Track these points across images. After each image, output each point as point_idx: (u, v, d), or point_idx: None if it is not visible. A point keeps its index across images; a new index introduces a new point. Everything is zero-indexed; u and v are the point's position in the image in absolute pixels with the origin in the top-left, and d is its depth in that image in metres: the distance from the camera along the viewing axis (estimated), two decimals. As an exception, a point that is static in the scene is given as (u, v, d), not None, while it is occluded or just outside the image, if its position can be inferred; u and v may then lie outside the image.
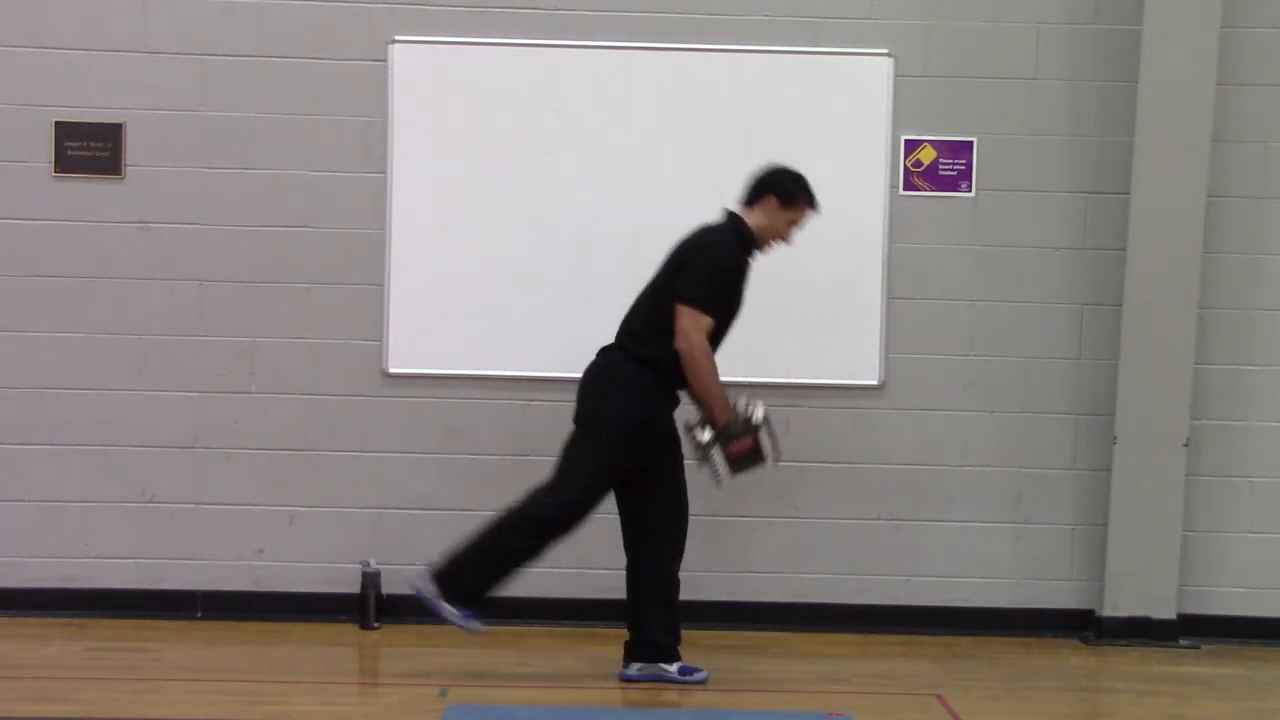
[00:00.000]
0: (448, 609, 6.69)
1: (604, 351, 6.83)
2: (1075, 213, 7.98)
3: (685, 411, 6.86)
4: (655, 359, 6.69)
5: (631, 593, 6.91)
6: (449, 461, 7.95)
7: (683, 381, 6.75)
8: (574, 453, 6.78)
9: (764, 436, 6.70)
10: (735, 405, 6.73)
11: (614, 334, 6.87)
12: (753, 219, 6.81)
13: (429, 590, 6.72)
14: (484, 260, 7.88)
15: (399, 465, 7.94)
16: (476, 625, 6.75)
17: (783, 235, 6.86)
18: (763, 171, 6.88)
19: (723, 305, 6.70)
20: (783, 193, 6.81)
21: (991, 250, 7.99)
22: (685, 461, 6.91)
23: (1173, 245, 7.79)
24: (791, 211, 6.82)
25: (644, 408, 6.73)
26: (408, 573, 7.78)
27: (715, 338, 6.73)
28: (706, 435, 6.67)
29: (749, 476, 6.86)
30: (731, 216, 6.84)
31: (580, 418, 6.81)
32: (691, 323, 6.61)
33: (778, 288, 7.75)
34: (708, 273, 6.66)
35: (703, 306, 6.62)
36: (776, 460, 6.77)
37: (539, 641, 7.66)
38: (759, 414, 6.69)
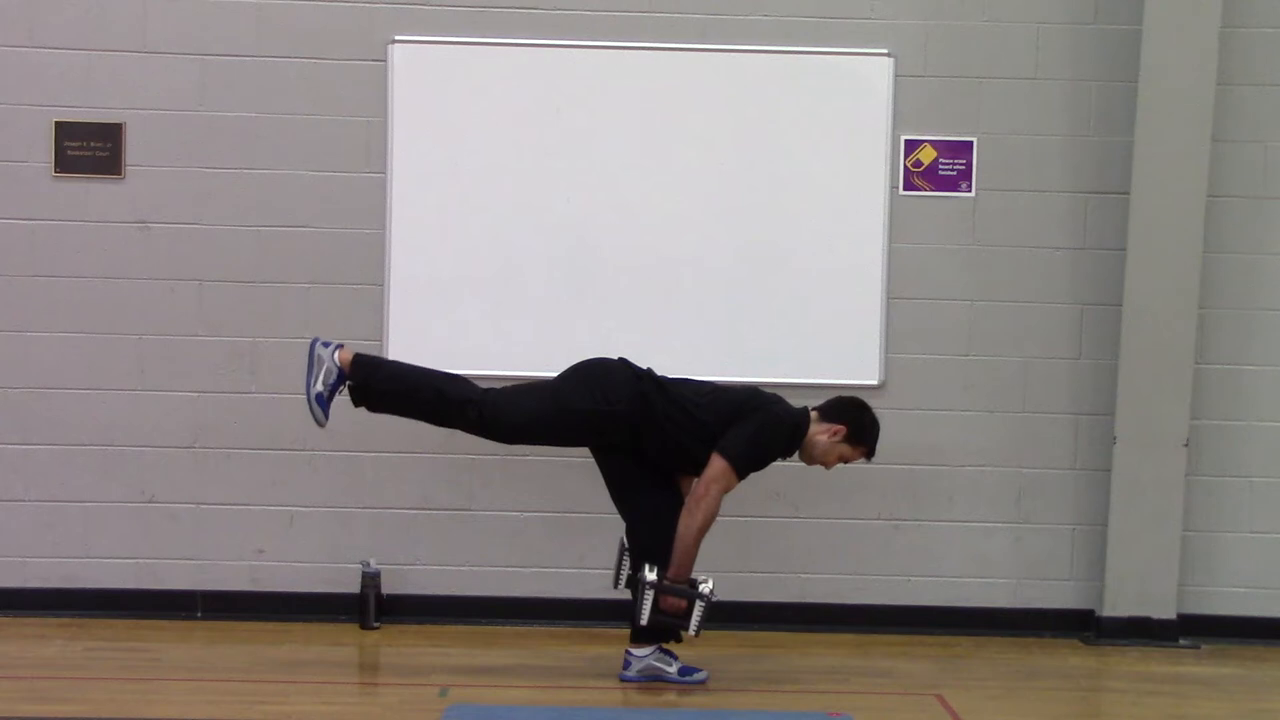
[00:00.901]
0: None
1: (624, 361, 6.85)
2: (1075, 213, 7.98)
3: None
4: (668, 401, 6.73)
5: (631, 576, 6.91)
6: (449, 461, 7.95)
7: (669, 462, 6.83)
8: (534, 389, 6.83)
9: (698, 609, 6.69)
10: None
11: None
12: (816, 430, 6.84)
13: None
14: (484, 260, 7.88)
15: (399, 465, 7.94)
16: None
17: (827, 461, 6.90)
18: (853, 400, 6.95)
19: (751, 470, 6.78)
20: (855, 431, 6.86)
21: (991, 250, 7.98)
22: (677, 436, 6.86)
23: (1173, 245, 7.78)
24: (848, 448, 6.88)
25: (625, 402, 6.72)
26: (408, 572, 7.82)
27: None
28: (651, 575, 6.68)
29: (659, 625, 6.78)
30: (805, 413, 6.87)
31: (568, 372, 6.82)
32: (720, 475, 6.67)
33: (778, 288, 7.76)
34: (757, 443, 6.71)
35: (736, 469, 6.69)
36: (695, 635, 6.74)
37: (539, 641, 7.66)
38: (706, 588, 6.71)
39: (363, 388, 6.77)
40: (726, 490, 6.72)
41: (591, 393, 6.72)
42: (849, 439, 6.86)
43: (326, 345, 6.76)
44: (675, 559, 6.69)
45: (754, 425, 6.72)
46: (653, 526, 6.79)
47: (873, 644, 7.80)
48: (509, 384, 7.70)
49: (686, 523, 6.69)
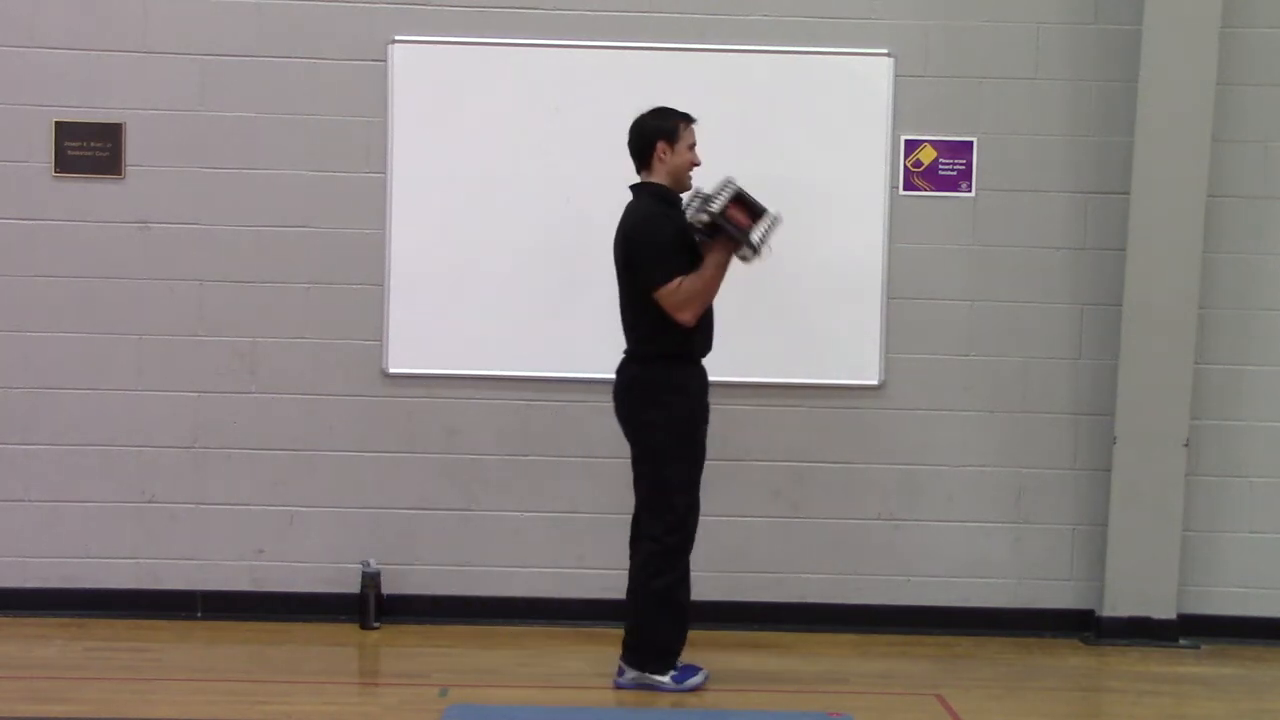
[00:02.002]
0: (663, 680, 6.76)
1: (624, 366, 6.83)
2: (1075, 213, 7.98)
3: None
4: (669, 352, 6.70)
5: (629, 593, 6.91)
6: (449, 461, 7.95)
7: (705, 350, 6.77)
8: (645, 475, 6.76)
9: (766, 222, 6.57)
10: (699, 192, 6.65)
11: (615, 336, 6.86)
12: (658, 175, 6.79)
13: (634, 677, 6.78)
14: (484, 260, 7.88)
15: (399, 465, 7.94)
16: (697, 678, 6.82)
17: (691, 163, 6.81)
18: (634, 133, 6.83)
19: (684, 266, 6.66)
20: (661, 134, 6.78)
21: (991, 250, 7.98)
22: (706, 464, 6.88)
23: (1173, 245, 7.78)
24: (680, 141, 6.80)
25: (684, 400, 6.72)
26: (408, 572, 7.82)
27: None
28: (736, 185, 6.56)
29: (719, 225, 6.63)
30: (639, 186, 6.83)
31: (635, 437, 6.80)
32: (670, 299, 6.60)
33: (778, 287, 7.76)
34: (654, 252, 6.65)
35: (668, 280, 6.60)
36: (757, 247, 6.57)
37: (539, 641, 7.66)
38: (725, 192, 6.56)
39: (666, 659, 6.77)
40: (689, 292, 6.57)
41: (658, 410, 6.70)
42: (669, 141, 6.75)
43: (626, 679, 6.81)
44: (717, 270, 6.62)
45: (639, 247, 6.65)
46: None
47: (873, 644, 7.80)
48: (506, 391, 7.73)
49: (703, 302, 6.62)
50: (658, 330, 6.68)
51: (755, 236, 6.58)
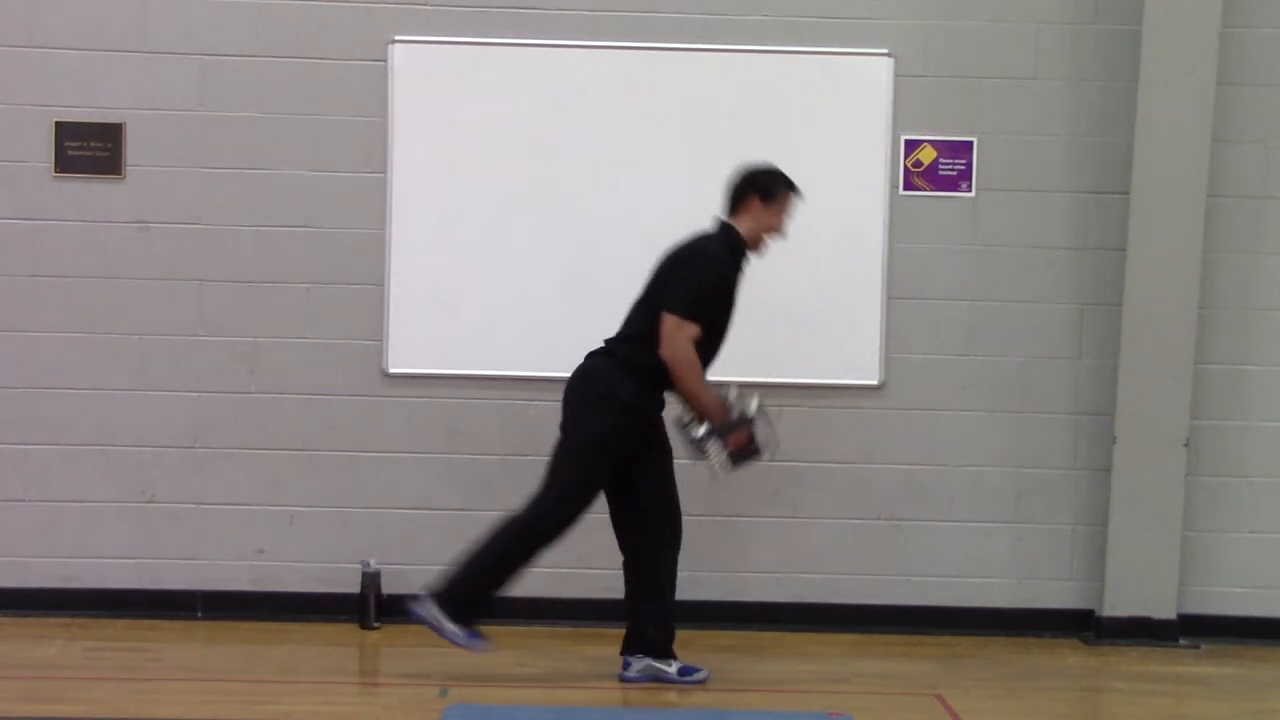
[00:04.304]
0: (450, 628, 6.74)
1: (590, 356, 6.83)
2: (1075, 213, 7.98)
3: (675, 409, 6.84)
4: (643, 366, 6.69)
5: (627, 588, 6.92)
6: (449, 461, 7.95)
7: (670, 386, 6.76)
8: (558, 460, 6.82)
9: (759, 429, 6.70)
10: (727, 398, 6.74)
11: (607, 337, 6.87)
12: (742, 225, 6.81)
13: (430, 613, 6.76)
14: (484, 260, 7.88)
15: (399, 465, 7.94)
16: (480, 644, 6.80)
17: (775, 229, 6.85)
18: (739, 176, 6.88)
19: (711, 314, 6.69)
20: (762, 190, 6.81)
21: (991, 250, 7.99)
22: (676, 459, 6.89)
23: (1173, 245, 7.79)
24: (775, 205, 6.83)
25: (623, 413, 6.72)
26: (408, 572, 7.81)
27: (708, 346, 6.72)
28: (701, 430, 6.68)
29: (746, 471, 6.86)
30: (722, 226, 6.83)
31: (564, 425, 6.83)
32: (675, 331, 6.61)
33: (778, 288, 7.75)
34: (695, 282, 6.66)
35: (688, 315, 6.61)
36: (774, 451, 6.77)
37: (539, 641, 7.66)
38: (753, 407, 6.70)
39: (455, 605, 6.74)
40: (690, 339, 6.60)
41: (596, 409, 6.72)
42: (765, 201, 6.79)
43: (419, 602, 6.80)
44: (701, 409, 6.67)
45: (685, 271, 6.67)
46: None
47: (873, 644, 7.80)
48: (506, 391, 7.74)
49: (679, 385, 6.64)
50: (648, 344, 6.67)
51: (726, 459, 6.71)
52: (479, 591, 6.76)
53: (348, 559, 7.90)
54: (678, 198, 7.73)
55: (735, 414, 6.70)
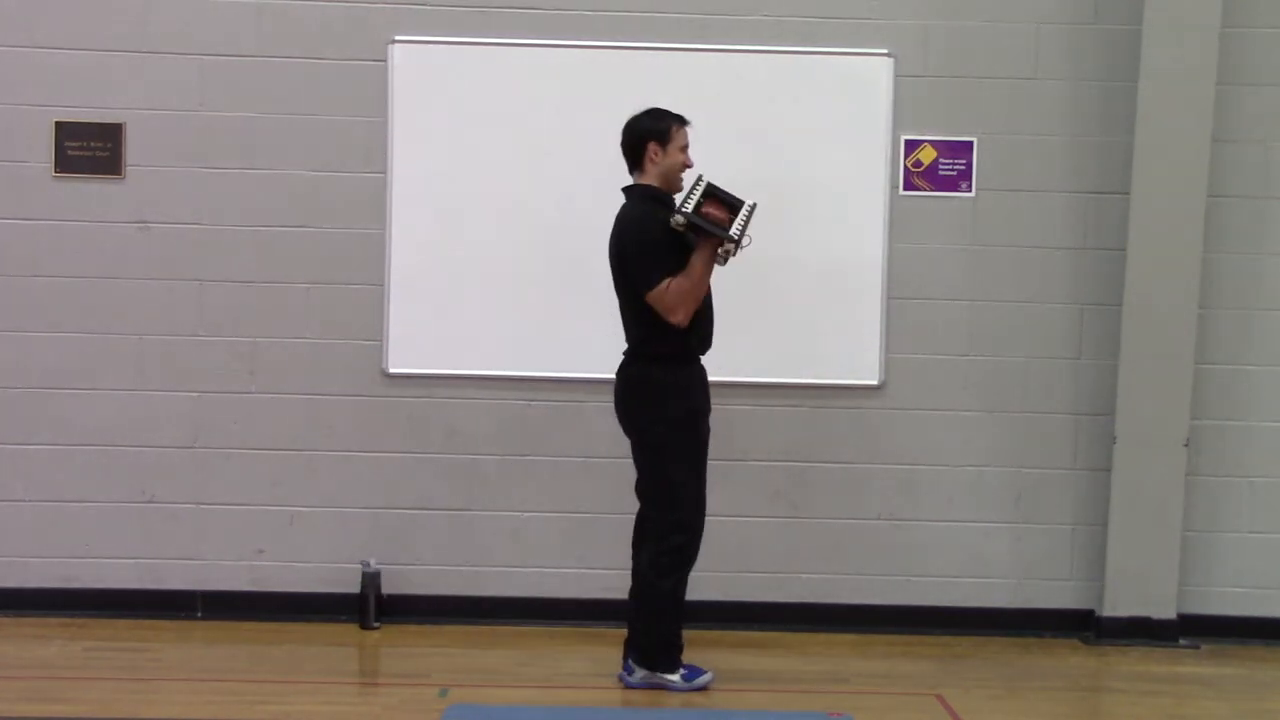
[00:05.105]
0: (671, 679, 6.77)
1: (624, 367, 6.83)
2: (1075, 213, 7.98)
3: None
4: (668, 352, 6.71)
5: (632, 594, 6.91)
6: (449, 461, 7.95)
7: (704, 349, 6.78)
8: (649, 476, 6.78)
9: (744, 214, 6.60)
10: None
11: (614, 336, 6.87)
12: (650, 176, 6.81)
13: (641, 676, 6.78)
14: (484, 260, 7.88)
15: (399, 465, 7.94)
16: (704, 678, 6.83)
17: (682, 165, 6.82)
18: (626, 133, 6.85)
19: (677, 264, 6.66)
20: (656, 135, 6.80)
21: (991, 250, 7.98)
22: (709, 464, 6.88)
23: (1173, 245, 7.78)
24: (669, 144, 6.80)
25: (685, 400, 6.73)
26: (408, 572, 7.82)
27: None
28: (689, 206, 6.58)
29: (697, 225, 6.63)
30: (634, 188, 6.84)
31: (637, 438, 6.81)
32: (660, 301, 6.62)
33: (778, 288, 7.76)
34: (646, 255, 6.66)
35: (660, 282, 6.61)
36: (738, 240, 6.57)
37: (539, 641, 7.66)
38: (751, 202, 6.60)
39: (660, 660, 6.78)
40: (678, 293, 6.58)
41: (657, 409, 6.71)
42: (660, 143, 6.76)
43: (634, 678, 6.82)
44: (699, 271, 6.62)
45: (631, 251, 6.67)
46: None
47: (873, 644, 7.80)
48: (506, 391, 7.74)
49: (687, 298, 6.60)
50: (654, 331, 6.69)
51: (734, 230, 6.59)
52: (667, 634, 6.77)
53: (347, 559, 7.90)
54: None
55: (691, 203, 6.56)
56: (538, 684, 6.93)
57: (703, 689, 6.82)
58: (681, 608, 6.80)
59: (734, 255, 6.65)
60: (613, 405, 6.89)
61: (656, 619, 6.75)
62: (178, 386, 7.90)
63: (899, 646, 7.78)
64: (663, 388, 6.71)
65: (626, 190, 6.86)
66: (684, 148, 6.83)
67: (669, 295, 6.61)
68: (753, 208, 6.67)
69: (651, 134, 6.81)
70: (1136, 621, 7.88)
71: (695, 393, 6.77)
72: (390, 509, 7.95)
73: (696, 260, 6.64)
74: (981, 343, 8.00)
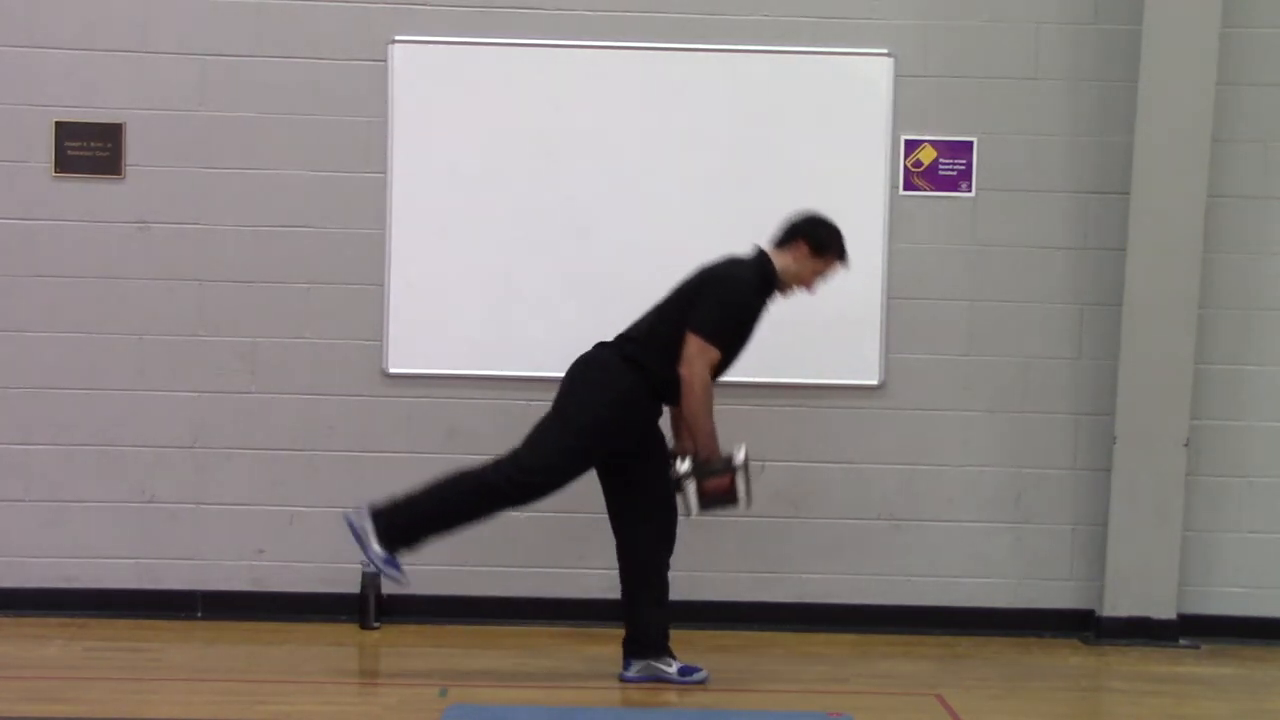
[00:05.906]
0: (374, 548, 6.70)
1: (600, 346, 6.83)
2: (1075, 213, 7.98)
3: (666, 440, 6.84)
4: (649, 369, 6.68)
5: (624, 590, 6.92)
6: (449, 461, 7.88)
7: (670, 399, 6.75)
8: (543, 430, 6.77)
9: (740, 479, 6.66)
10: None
11: (615, 335, 6.86)
12: (781, 261, 6.77)
13: (362, 524, 6.71)
14: (484, 260, 7.88)
15: (399, 465, 7.92)
16: (396, 573, 6.76)
17: (807, 283, 6.82)
18: (799, 216, 6.85)
19: (732, 341, 6.68)
20: (815, 242, 6.78)
21: (991, 250, 7.99)
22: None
23: (1173, 245, 7.78)
24: (820, 261, 6.79)
25: (621, 406, 6.71)
26: (408, 572, 7.79)
27: (716, 371, 6.70)
28: (684, 467, 6.66)
29: (718, 514, 6.82)
30: (761, 254, 6.80)
31: (558, 398, 6.81)
32: (698, 352, 6.59)
33: (778, 288, 7.75)
34: (723, 306, 6.64)
35: (713, 339, 6.59)
36: (749, 504, 6.75)
37: (539, 641, 7.66)
38: (740, 456, 6.66)
39: (390, 529, 6.69)
40: (711, 364, 6.58)
41: (595, 394, 6.71)
42: (814, 253, 6.76)
43: (358, 512, 6.76)
44: (696, 441, 6.62)
45: (716, 293, 6.63)
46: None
47: (873, 644, 7.80)
48: (506, 391, 7.74)
49: (688, 407, 6.61)
50: (659, 353, 6.66)
51: (739, 493, 6.70)
52: (419, 527, 6.72)
53: (348, 559, 7.87)
54: (678, 197, 7.75)
55: (722, 458, 6.65)
56: (538, 684, 6.93)
57: (699, 684, 6.82)
58: (449, 527, 6.71)
59: (690, 504, 6.69)
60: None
61: (426, 505, 6.67)
62: (178, 386, 7.90)
63: (899, 646, 7.78)
64: (622, 389, 6.68)
65: (757, 250, 6.80)
66: (820, 275, 6.80)
67: (699, 367, 6.55)
68: (744, 461, 6.67)
69: (814, 241, 6.76)
70: (1136, 621, 7.88)
71: (636, 414, 6.73)
72: (390, 509, 7.93)
73: (709, 435, 6.60)
74: (981, 343, 8.00)
